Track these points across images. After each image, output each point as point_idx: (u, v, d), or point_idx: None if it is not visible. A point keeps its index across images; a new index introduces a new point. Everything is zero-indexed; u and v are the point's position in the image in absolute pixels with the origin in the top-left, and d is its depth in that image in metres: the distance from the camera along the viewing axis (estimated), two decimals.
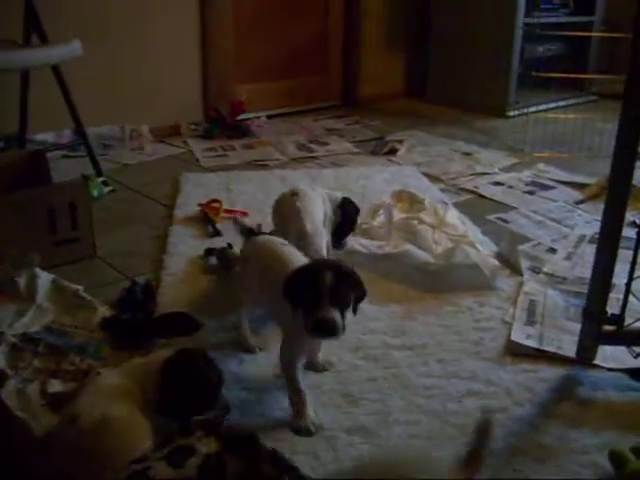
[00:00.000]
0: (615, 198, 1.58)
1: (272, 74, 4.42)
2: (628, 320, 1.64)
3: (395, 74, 5.05)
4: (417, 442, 1.45)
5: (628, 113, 1.49)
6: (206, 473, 1.01)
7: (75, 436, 1.24)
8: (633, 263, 1.61)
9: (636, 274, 1.61)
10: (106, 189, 2.99)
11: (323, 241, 2.09)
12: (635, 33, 1.45)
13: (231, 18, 4.06)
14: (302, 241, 2.00)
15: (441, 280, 2.13)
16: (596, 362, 1.72)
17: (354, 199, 2.41)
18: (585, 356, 1.72)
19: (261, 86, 4.33)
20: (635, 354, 1.67)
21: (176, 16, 3.83)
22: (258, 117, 4.14)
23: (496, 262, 2.22)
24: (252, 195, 2.93)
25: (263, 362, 1.73)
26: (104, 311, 1.93)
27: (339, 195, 2.36)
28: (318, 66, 4.69)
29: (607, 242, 1.60)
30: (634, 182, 1.56)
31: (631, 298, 1.63)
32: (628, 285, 1.61)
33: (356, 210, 2.38)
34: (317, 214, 2.15)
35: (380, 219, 2.52)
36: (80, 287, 2.03)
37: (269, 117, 4.29)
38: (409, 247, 2.25)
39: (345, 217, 2.32)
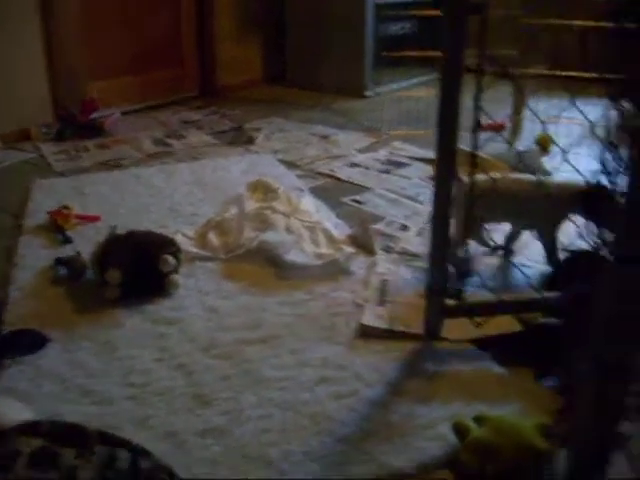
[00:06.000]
0: (442, 172, 1.63)
1: (125, 69, 4.28)
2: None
3: (253, 61, 5.01)
4: (270, 436, 1.46)
5: (445, 85, 1.58)
6: (38, 467, 0.96)
7: None
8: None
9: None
10: None
11: None
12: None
13: (77, 13, 3.89)
14: None
15: (296, 270, 2.14)
16: (443, 335, 1.78)
17: (210, 192, 2.36)
18: (432, 331, 1.77)
19: (114, 82, 4.19)
20: (476, 323, 1.74)
21: (14, 8, 3.61)
22: (112, 114, 4.00)
23: (351, 250, 2.24)
24: (106, 197, 2.84)
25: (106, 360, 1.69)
26: None
27: None
28: (173, 58, 4.58)
29: (439, 218, 1.65)
30: (465, 147, 1.62)
31: None
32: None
33: None
34: None
35: (233, 211, 2.49)
36: None
37: (124, 113, 4.15)
38: (264, 238, 2.25)
39: None
